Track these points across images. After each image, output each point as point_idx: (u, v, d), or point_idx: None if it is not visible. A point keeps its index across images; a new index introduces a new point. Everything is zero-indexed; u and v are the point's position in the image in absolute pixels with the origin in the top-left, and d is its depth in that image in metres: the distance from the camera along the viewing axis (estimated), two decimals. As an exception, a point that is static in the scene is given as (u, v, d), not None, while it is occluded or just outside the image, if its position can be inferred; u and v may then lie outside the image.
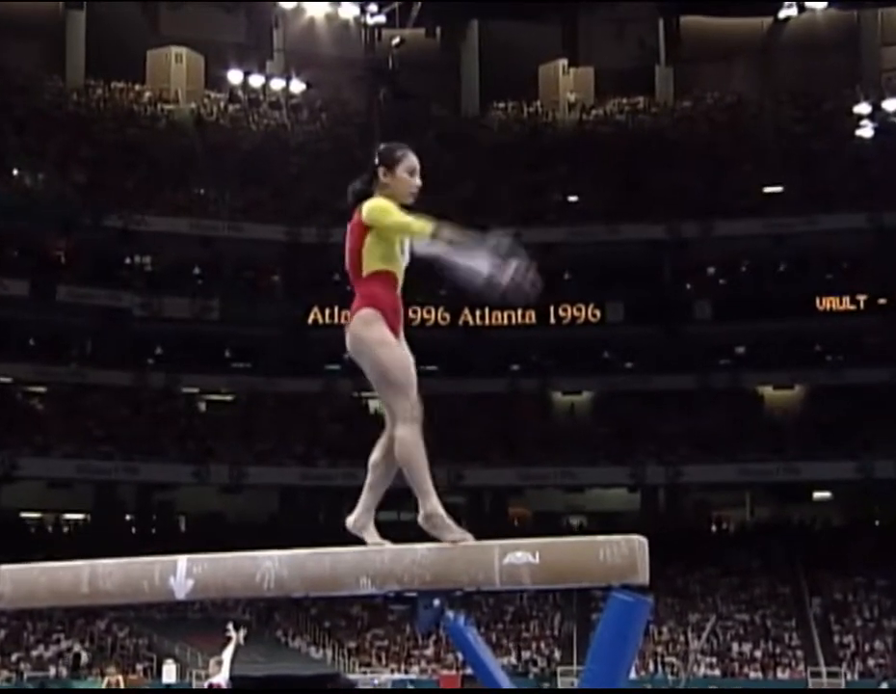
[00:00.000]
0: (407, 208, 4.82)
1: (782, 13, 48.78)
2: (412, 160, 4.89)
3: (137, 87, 49.65)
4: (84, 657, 33.62)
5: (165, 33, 47.87)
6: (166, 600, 4.89)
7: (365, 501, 4.89)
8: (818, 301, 43.50)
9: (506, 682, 4.61)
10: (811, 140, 46.22)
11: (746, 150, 46.41)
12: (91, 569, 4.90)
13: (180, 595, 4.78)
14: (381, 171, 4.85)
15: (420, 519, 4.63)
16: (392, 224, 4.73)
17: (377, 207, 4.75)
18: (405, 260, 4.91)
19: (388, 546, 4.67)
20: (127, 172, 44.43)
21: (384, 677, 34.43)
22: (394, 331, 4.80)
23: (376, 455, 4.90)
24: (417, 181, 4.89)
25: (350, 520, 4.86)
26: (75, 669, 33.07)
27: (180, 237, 42.79)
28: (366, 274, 4.80)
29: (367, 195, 4.85)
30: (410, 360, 4.81)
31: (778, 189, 44.95)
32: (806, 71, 48.23)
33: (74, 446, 39.79)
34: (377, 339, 4.74)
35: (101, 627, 35.23)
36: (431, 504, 4.60)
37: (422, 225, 4.66)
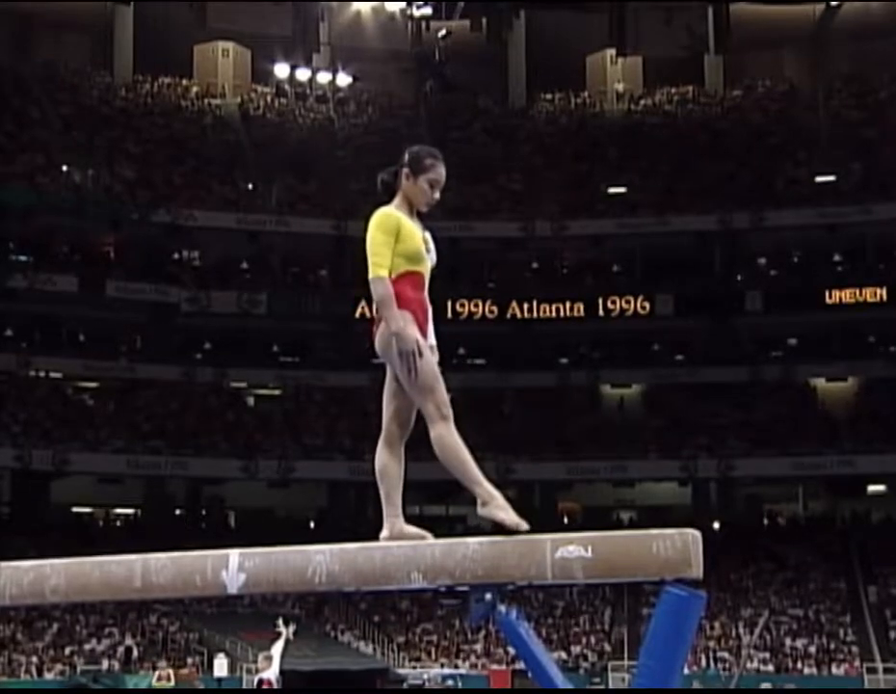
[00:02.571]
0: (420, 215, 4.87)
1: (834, 0, 48.13)
2: (439, 173, 4.85)
3: (184, 82, 49.85)
4: (135, 651, 33.78)
5: (212, 28, 47.91)
6: (218, 594, 4.84)
7: (390, 511, 4.82)
8: (872, 291, 42.84)
9: (559, 677, 4.50)
10: (865, 127, 45.56)
11: (798, 139, 45.88)
12: (143, 563, 4.86)
13: (232, 589, 4.72)
14: (405, 172, 4.84)
15: (479, 507, 4.59)
16: (368, 249, 4.73)
17: (375, 224, 4.76)
18: (431, 259, 4.89)
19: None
20: (175, 167, 44.61)
21: (434, 671, 34.31)
22: (423, 330, 4.78)
23: (382, 460, 4.84)
24: (436, 195, 4.86)
25: (384, 536, 4.78)
26: (127, 663, 33.24)
27: (228, 232, 42.93)
28: (394, 276, 4.75)
29: (391, 189, 4.88)
30: (435, 360, 4.80)
31: (831, 178, 44.37)
32: (860, 58, 47.56)
33: (124, 441, 40.00)
34: None
35: (152, 622, 35.41)
36: (485, 491, 4.57)
37: (375, 271, 4.69)
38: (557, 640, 36.48)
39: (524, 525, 4.42)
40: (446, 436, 4.61)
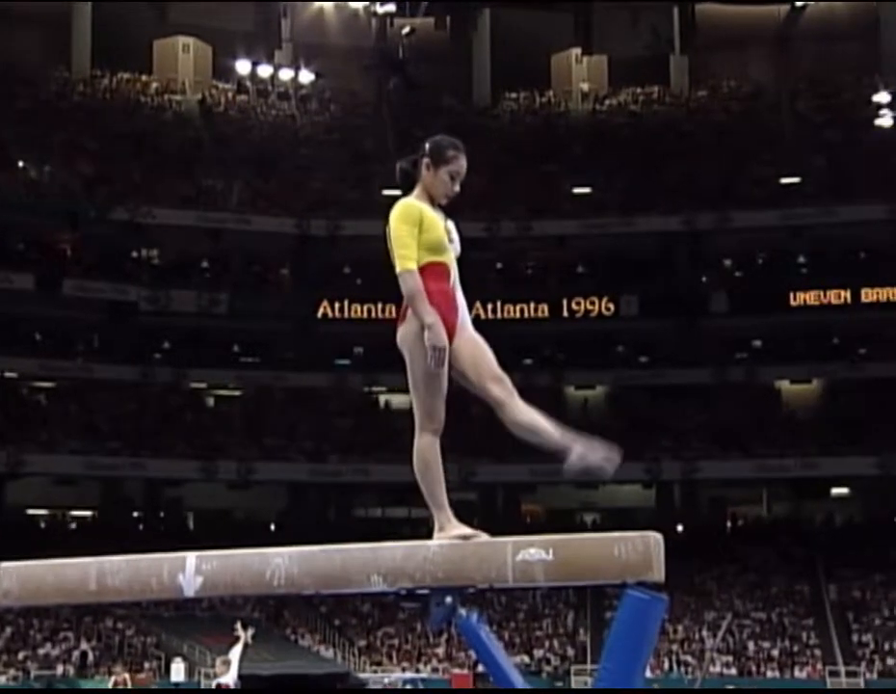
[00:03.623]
0: (441, 208, 4.78)
1: (799, 1, 48.18)
2: (460, 165, 4.77)
3: (144, 77, 49.31)
4: (91, 656, 33.21)
5: (172, 22, 47.43)
6: (174, 597, 4.87)
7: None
8: (836, 293, 42.88)
9: (519, 681, 4.55)
10: (829, 129, 45.64)
11: (762, 140, 45.87)
12: (98, 566, 4.84)
13: (189, 592, 4.75)
14: (425, 162, 4.75)
15: (436, 531, 4.54)
16: (393, 242, 4.64)
17: (397, 216, 4.66)
18: (455, 249, 4.78)
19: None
20: (134, 163, 43.97)
21: (395, 675, 34.05)
22: (450, 326, 4.69)
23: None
24: (456, 188, 4.79)
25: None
26: (82, 668, 32.70)
27: (187, 230, 42.40)
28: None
29: (411, 178, 4.78)
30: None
31: (796, 180, 44.41)
32: (824, 60, 47.73)
33: (81, 442, 39.43)
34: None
35: (108, 626, 34.91)
36: (445, 516, 4.60)
37: (403, 264, 4.61)
38: (519, 644, 36.24)
39: (483, 536, 4.43)
40: (429, 450, 4.62)
